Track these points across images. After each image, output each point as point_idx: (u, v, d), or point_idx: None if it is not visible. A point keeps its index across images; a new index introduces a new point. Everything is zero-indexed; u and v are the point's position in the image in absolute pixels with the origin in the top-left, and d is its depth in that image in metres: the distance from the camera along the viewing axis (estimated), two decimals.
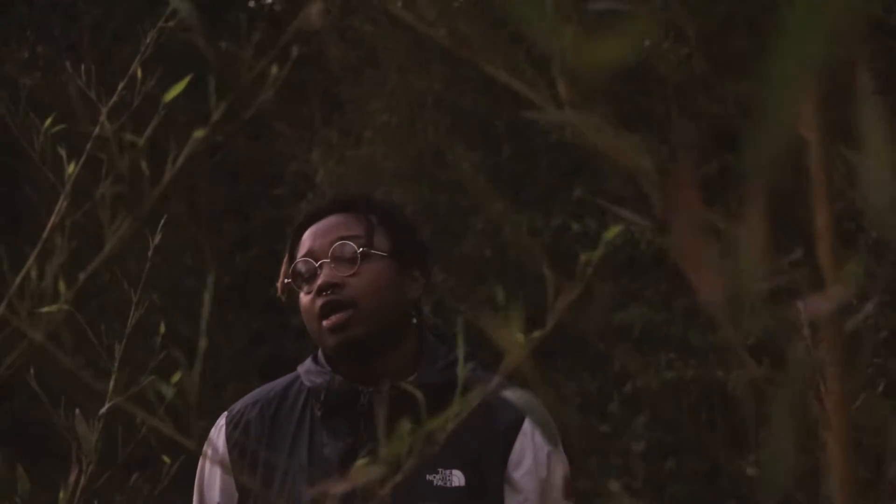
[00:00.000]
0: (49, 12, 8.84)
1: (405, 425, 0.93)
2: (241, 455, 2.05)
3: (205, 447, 2.11)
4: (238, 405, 2.12)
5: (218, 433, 2.11)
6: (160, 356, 1.61)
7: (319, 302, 2.00)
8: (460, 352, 1.09)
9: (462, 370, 1.83)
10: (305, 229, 2.09)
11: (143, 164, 1.04)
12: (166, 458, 1.92)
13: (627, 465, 6.43)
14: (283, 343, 7.93)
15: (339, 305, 2.00)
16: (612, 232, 0.99)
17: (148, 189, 1.06)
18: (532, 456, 2.01)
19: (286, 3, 9.53)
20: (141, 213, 1.07)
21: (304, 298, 2.04)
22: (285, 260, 2.10)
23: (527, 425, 1.99)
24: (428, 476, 1.95)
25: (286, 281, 2.07)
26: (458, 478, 1.95)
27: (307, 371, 2.08)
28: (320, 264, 2.03)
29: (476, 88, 7.10)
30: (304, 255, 2.05)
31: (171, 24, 1.46)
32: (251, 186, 8.67)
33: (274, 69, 1.02)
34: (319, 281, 2.01)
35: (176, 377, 1.58)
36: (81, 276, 1.12)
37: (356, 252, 2.02)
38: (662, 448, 6.36)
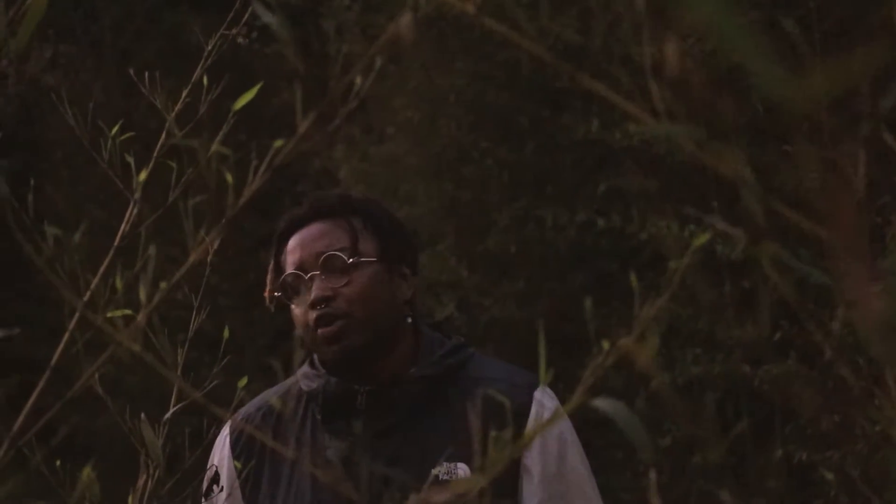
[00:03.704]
0: (70, 11, 8.87)
1: (497, 438, 0.93)
2: (245, 464, 2.07)
3: (210, 458, 2.12)
4: (241, 414, 2.14)
5: (222, 444, 2.14)
6: (223, 361, 1.63)
7: (313, 315, 2.02)
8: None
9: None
10: (288, 237, 2.10)
11: (229, 176, 1.04)
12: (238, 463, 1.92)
13: (654, 460, 6.42)
14: None
15: (333, 317, 2.02)
16: (701, 239, 0.99)
17: (232, 199, 1.06)
18: (541, 438, 2.01)
19: None
20: (226, 226, 1.07)
21: (297, 311, 2.06)
22: (271, 268, 2.11)
23: (534, 408, 2.00)
24: (433, 471, 1.97)
25: (276, 294, 2.08)
26: (463, 470, 1.97)
27: (304, 375, 2.10)
28: (310, 276, 2.04)
29: (499, 84, 7.09)
30: (293, 268, 2.06)
31: (233, 31, 1.47)
32: (273, 183, 8.69)
33: (358, 80, 1.03)
34: (312, 295, 2.02)
35: (242, 382, 1.59)
36: (163, 287, 1.13)
37: (345, 262, 2.03)
38: (689, 443, 6.36)
